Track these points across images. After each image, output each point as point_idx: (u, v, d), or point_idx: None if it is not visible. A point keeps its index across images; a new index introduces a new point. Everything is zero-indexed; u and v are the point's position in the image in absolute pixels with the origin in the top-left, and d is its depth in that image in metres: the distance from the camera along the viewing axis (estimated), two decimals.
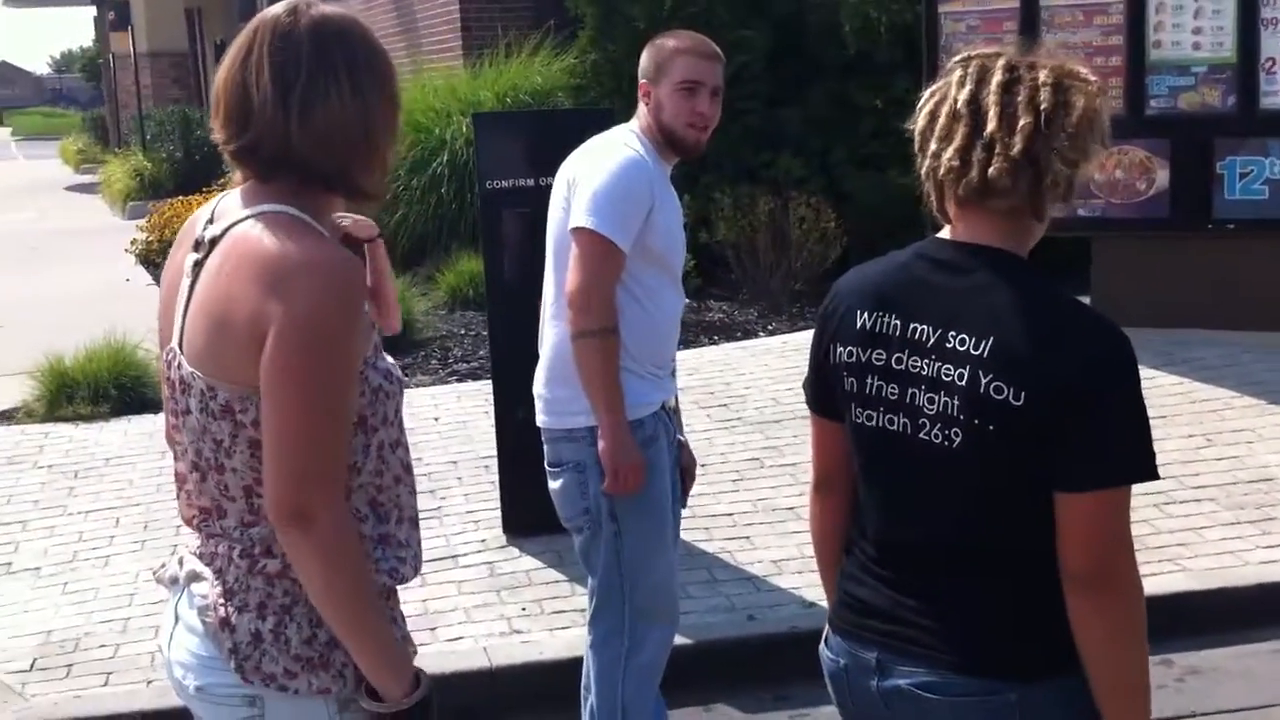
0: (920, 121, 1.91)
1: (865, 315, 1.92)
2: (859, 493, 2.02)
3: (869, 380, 1.91)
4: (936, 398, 1.82)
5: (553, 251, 3.20)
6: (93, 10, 32.84)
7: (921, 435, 1.85)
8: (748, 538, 4.84)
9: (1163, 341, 6.47)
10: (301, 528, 1.74)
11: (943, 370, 1.82)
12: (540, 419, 3.23)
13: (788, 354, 7.04)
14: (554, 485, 3.21)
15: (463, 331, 7.78)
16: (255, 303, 1.73)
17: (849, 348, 1.93)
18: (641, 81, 3.19)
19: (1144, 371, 6.11)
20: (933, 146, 1.87)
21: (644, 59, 3.20)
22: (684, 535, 4.79)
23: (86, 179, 23.46)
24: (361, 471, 1.86)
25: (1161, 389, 6.03)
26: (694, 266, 8.05)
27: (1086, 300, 6.77)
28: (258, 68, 1.79)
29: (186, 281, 1.85)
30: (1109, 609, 1.80)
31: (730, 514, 5.04)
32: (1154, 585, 4.38)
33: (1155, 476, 1.78)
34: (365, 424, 1.84)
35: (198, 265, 1.84)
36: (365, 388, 1.83)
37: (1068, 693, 1.85)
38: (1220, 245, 6.67)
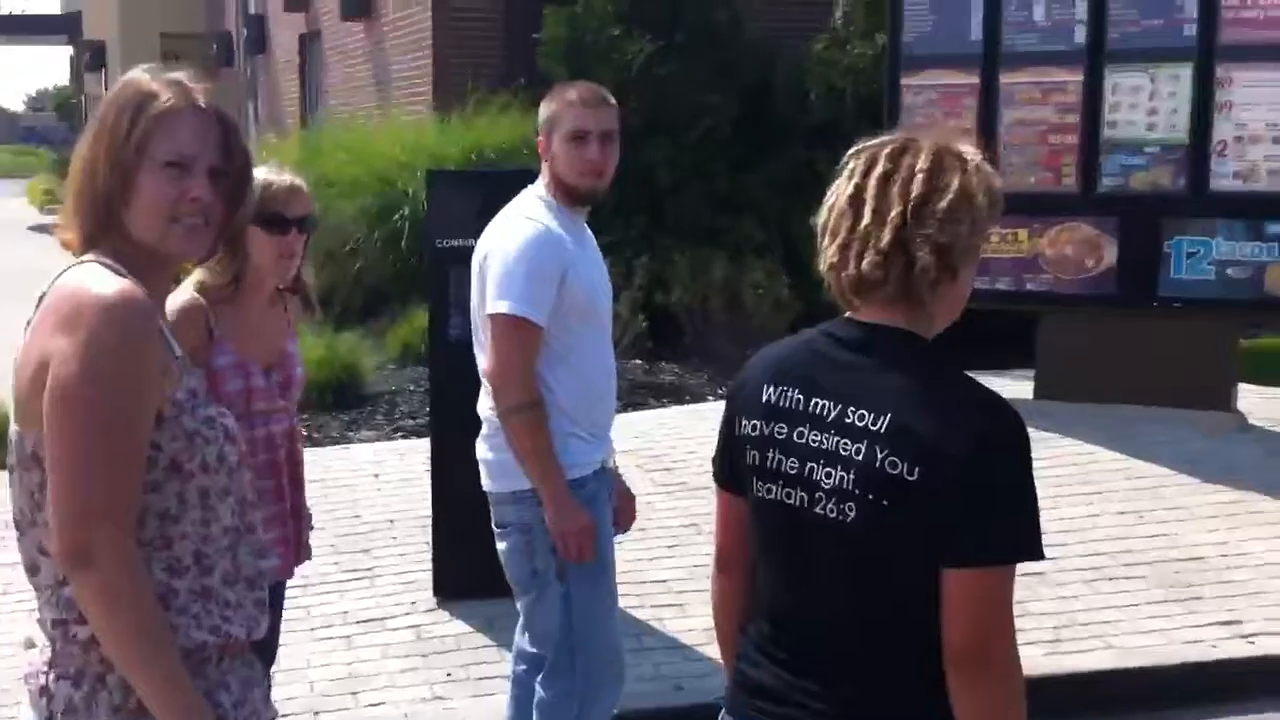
0: (822, 216, 1.96)
1: (770, 389, 1.95)
2: (756, 569, 2.03)
3: (770, 453, 1.93)
4: (834, 472, 1.85)
5: (476, 322, 3.24)
6: (69, 50, 32.94)
7: (817, 509, 1.87)
8: (681, 605, 4.82)
9: (1104, 418, 6.52)
10: (81, 567, 1.72)
11: (841, 445, 1.85)
12: (485, 483, 3.25)
13: None
14: (501, 547, 3.23)
15: (411, 388, 7.75)
16: (45, 341, 1.76)
17: (753, 421, 1.96)
18: (539, 138, 3.23)
19: (1084, 447, 6.21)
20: (824, 242, 1.93)
21: (540, 113, 3.23)
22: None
23: (50, 220, 23.32)
24: (180, 520, 1.84)
25: (1099, 465, 6.07)
26: (646, 328, 8.10)
27: (1030, 376, 6.88)
28: None
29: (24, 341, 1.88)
30: (983, 688, 1.81)
31: (664, 580, 5.02)
32: (1079, 662, 4.40)
33: (1040, 556, 1.81)
34: (180, 470, 1.83)
35: (29, 324, 1.86)
36: (178, 432, 1.82)
37: None
38: (1164, 323, 6.73)
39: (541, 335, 3.09)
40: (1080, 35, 7.16)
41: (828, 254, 1.91)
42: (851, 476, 1.83)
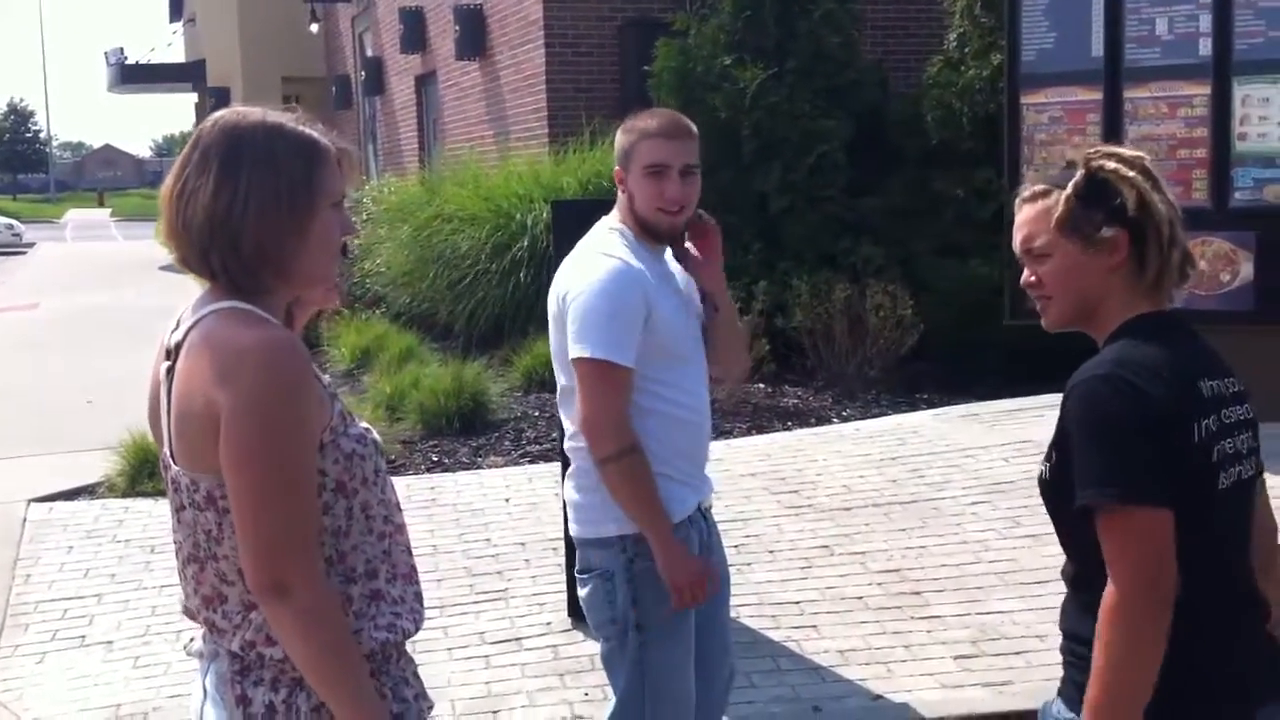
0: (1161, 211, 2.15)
1: (1205, 382, 2.09)
2: (1207, 562, 2.05)
3: (1227, 440, 2.08)
4: (1246, 438, 2.10)
5: (556, 363, 3.03)
6: (194, 96, 34.02)
7: (1245, 476, 2.10)
8: (815, 626, 4.78)
9: None
10: (279, 598, 1.80)
11: (1240, 412, 2.10)
12: (571, 527, 3.10)
13: (861, 440, 6.99)
14: (581, 592, 3.08)
15: (536, 413, 7.83)
16: (207, 393, 1.82)
17: (1209, 417, 2.07)
18: (616, 169, 3.02)
19: None
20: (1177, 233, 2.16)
21: (616, 143, 3.03)
22: (750, 622, 4.77)
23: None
24: (350, 533, 1.93)
25: None
26: (769, 352, 8.07)
27: None
28: (177, 177, 1.90)
29: (164, 388, 1.93)
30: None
31: (798, 601, 4.98)
32: None
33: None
34: (344, 489, 1.91)
35: (169, 372, 1.92)
36: (339, 455, 1.90)
37: None
38: None
39: (631, 377, 2.88)
40: (1205, 48, 7.04)
41: (1194, 253, 2.15)
42: (1249, 436, 2.09)
